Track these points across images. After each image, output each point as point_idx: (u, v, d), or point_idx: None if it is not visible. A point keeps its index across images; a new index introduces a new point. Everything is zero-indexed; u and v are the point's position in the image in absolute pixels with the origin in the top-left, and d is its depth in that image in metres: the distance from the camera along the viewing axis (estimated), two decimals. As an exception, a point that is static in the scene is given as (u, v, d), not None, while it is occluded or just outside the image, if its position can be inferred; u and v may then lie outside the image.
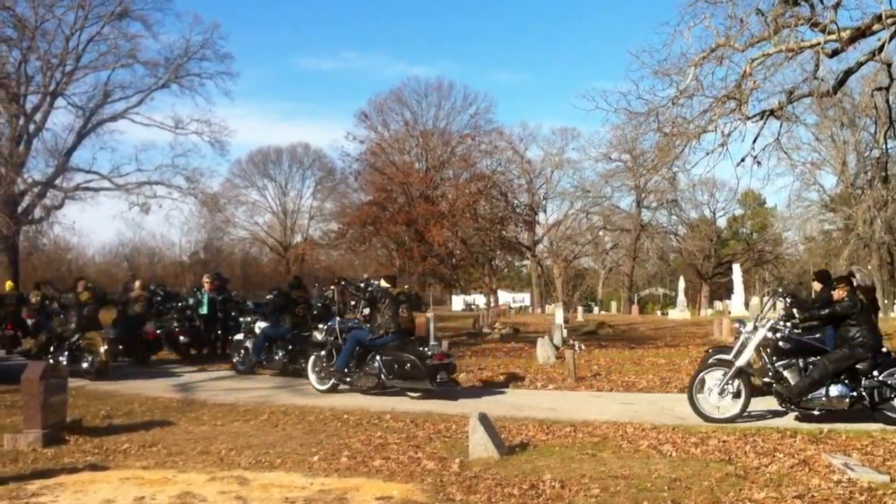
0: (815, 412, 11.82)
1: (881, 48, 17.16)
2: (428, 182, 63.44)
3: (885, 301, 52.87)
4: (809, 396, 11.82)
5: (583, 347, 18.58)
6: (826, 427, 11.16)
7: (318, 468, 9.21)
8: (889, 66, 20.05)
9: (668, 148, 19.44)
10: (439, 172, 65.87)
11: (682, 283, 53.36)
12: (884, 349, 12.07)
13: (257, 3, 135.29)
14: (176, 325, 22.33)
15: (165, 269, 75.58)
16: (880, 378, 11.69)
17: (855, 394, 11.73)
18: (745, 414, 12.23)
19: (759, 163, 19.12)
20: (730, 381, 12.27)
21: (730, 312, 46.43)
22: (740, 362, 12.34)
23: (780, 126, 20.40)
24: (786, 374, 12.19)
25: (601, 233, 77.88)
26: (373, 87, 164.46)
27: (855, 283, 12.78)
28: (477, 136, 66.74)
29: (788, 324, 12.56)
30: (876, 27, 16.59)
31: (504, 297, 77.99)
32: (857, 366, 11.83)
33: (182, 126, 48.55)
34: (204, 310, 22.42)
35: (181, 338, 22.65)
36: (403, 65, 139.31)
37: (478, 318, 40.07)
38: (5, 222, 37.29)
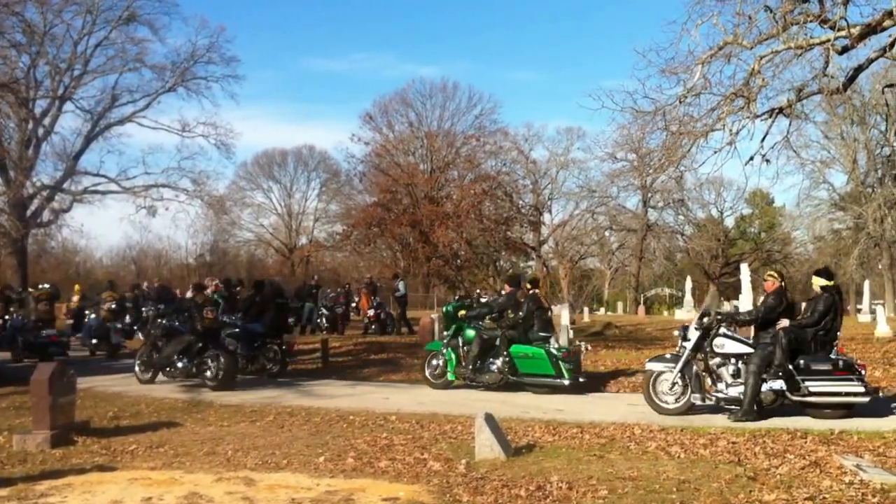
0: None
1: (892, 44, 17.04)
2: (433, 183, 63.43)
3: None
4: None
5: (589, 348, 18.44)
6: (837, 428, 11.08)
7: (324, 469, 9.20)
8: (900, 62, 19.97)
9: (674, 147, 19.33)
10: (444, 173, 65.84)
11: (689, 283, 53.13)
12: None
13: (264, 5, 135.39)
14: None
15: (172, 272, 75.71)
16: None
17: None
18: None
19: (767, 161, 19.02)
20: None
21: (738, 312, 46.26)
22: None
23: (789, 124, 20.27)
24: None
25: (607, 233, 77.81)
26: (380, 88, 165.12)
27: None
28: (482, 136, 66.71)
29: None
30: (887, 23, 16.47)
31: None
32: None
33: (188, 129, 48.69)
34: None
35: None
36: (411, 65, 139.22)
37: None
38: (15, 225, 37.67)
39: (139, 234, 73.75)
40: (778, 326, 12.90)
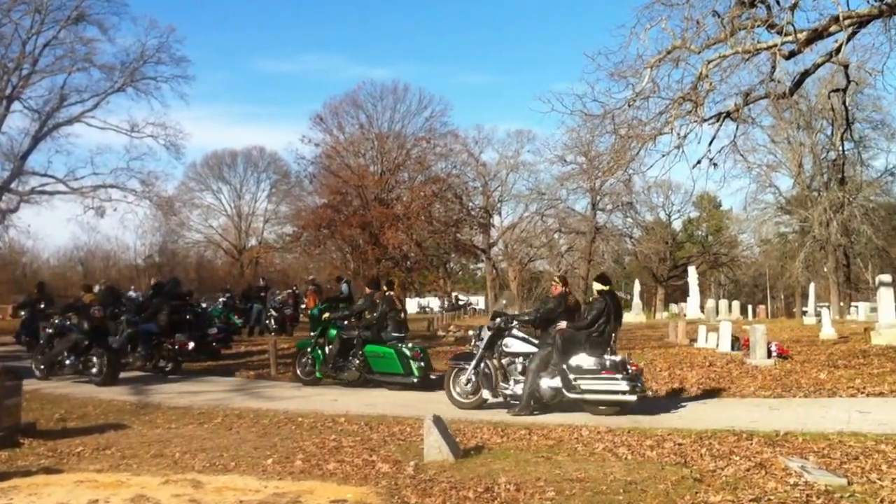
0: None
1: (838, 50, 17.21)
2: (383, 185, 63.22)
3: (842, 303, 53.37)
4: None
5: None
6: (783, 429, 11.16)
7: (272, 471, 9.16)
8: (846, 67, 20.17)
9: (623, 150, 19.40)
10: (394, 175, 65.61)
11: (637, 286, 53.39)
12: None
13: (214, 5, 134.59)
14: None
15: (120, 273, 74.95)
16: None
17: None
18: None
19: (715, 165, 19.15)
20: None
21: (685, 315, 46.61)
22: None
23: (737, 128, 20.44)
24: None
25: (556, 235, 78.14)
26: (330, 89, 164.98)
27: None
28: (432, 138, 66.45)
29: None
30: (833, 28, 16.62)
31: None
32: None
33: (137, 129, 48.55)
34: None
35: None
36: (361, 67, 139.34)
37: (432, 321, 40.01)
38: (-39, 226, 37.19)
39: (87, 234, 73.38)
40: (556, 328, 13.68)
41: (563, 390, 13.29)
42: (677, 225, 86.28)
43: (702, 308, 47.82)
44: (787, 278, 60.88)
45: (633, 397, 13.01)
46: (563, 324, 13.68)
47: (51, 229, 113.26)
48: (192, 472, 9.20)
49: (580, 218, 75.37)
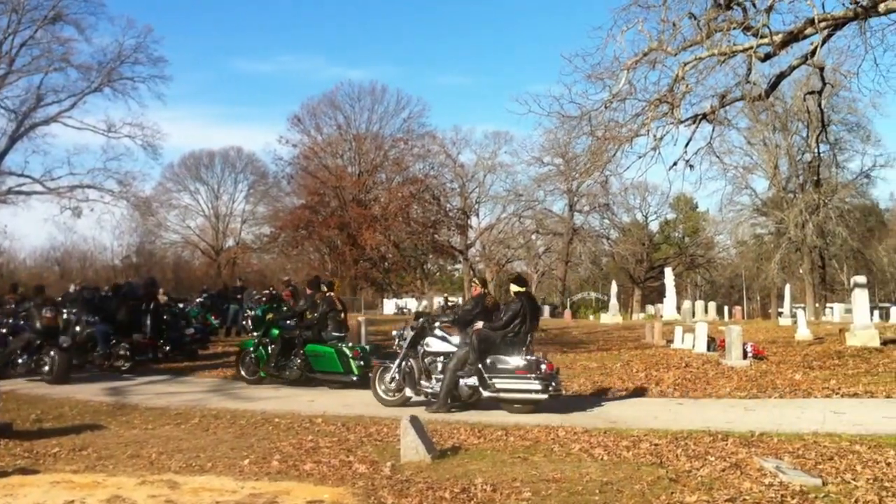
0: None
1: (813, 52, 17.33)
2: (361, 186, 63.45)
3: (817, 305, 53.63)
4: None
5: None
6: (758, 430, 11.20)
7: (248, 472, 9.09)
8: (821, 69, 20.30)
9: (600, 152, 19.49)
10: (372, 176, 65.92)
11: (614, 288, 53.44)
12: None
13: (192, 6, 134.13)
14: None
15: (97, 273, 74.57)
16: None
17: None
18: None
19: (691, 166, 19.27)
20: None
21: (661, 316, 46.72)
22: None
23: (713, 130, 20.57)
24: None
25: (533, 236, 78.39)
26: (308, 90, 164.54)
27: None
28: (410, 139, 67.00)
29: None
30: (808, 31, 16.75)
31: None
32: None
33: (114, 130, 48.50)
34: None
35: None
36: (339, 68, 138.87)
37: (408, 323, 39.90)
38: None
39: (64, 235, 72.94)
40: (473, 329, 13.97)
41: (480, 388, 13.65)
42: (654, 226, 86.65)
43: (678, 309, 47.95)
44: (763, 279, 61.17)
45: (545, 396, 13.32)
46: (479, 324, 13.99)
47: (27, 229, 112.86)
48: (169, 472, 9.14)
49: (557, 219, 75.66)
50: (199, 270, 79.73)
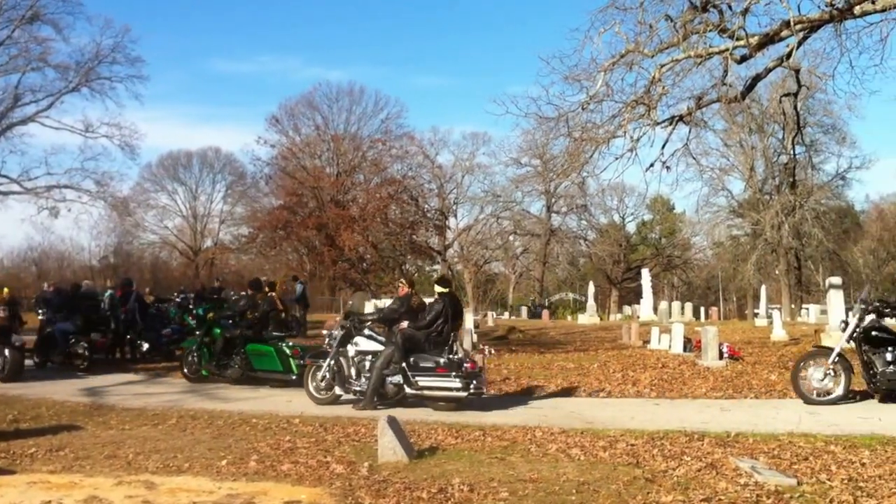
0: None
1: (789, 54, 17.44)
2: (339, 186, 63.40)
3: (793, 306, 53.89)
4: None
5: (493, 352, 18.63)
6: (734, 430, 11.27)
7: (226, 472, 9.07)
8: (797, 72, 20.42)
9: (577, 153, 19.55)
10: (350, 177, 65.88)
11: (591, 288, 53.58)
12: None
13: (170, 6, 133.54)
14: None
15: (75, 274, 74.22)
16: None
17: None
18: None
19: (667, 168, 19.38)
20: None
21: (638, 317, 46.86)
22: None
23: (689, 131, 20.68)
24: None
25: (511, 237, 78.42)
26: (286, 91, 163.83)
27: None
28: (388, 140, 66.96)
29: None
30: (784, 33, 16.84)
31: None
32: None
33: (92, 130, 48.48)
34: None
35: None
36: (317, 69, 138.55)
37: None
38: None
39: (41, 235, 72.62)
40: (398, 328, 14.42)
41: (405, 386, 14.01)
42: (631, 227, 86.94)
43: (655, 310, 48.17)
44: (740, 280, 61.49)
45: (465, 394, 13.66)
46: (404, 324, 14.40)
47: (4, 230, 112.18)
48: (146, 473, 9.11)
49: (535, 220, 75.79)
50: (176, 271, 79.60)
